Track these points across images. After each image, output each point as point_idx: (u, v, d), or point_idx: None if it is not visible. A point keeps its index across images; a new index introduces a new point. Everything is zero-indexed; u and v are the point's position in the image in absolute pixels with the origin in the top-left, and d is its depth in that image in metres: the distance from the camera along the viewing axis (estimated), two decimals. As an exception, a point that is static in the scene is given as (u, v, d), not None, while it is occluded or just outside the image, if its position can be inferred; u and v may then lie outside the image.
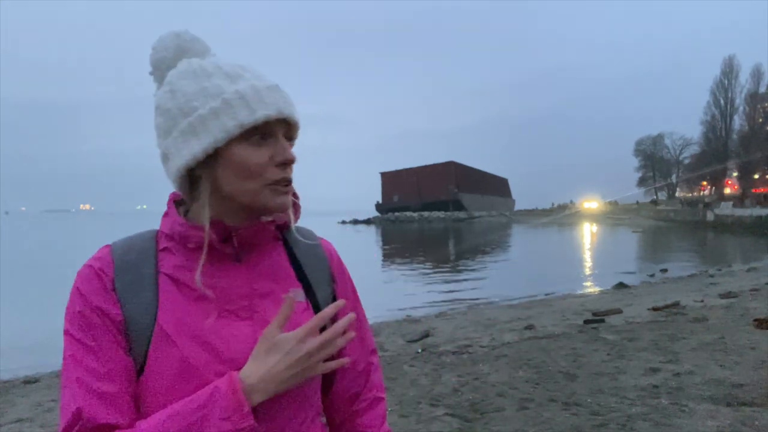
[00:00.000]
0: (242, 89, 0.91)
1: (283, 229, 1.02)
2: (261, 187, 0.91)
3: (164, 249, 0.93)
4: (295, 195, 1.03)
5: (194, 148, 0.90)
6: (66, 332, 0.87)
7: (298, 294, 0.98)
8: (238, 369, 0.86)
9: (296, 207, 1.03)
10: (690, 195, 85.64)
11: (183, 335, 0.87)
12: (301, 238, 1.05)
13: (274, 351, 0.85)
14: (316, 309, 0.99)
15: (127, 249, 0.93)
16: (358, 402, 1.09)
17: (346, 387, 1.08)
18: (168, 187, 0.97)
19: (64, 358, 0.86)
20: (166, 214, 0.96)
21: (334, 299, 1.03)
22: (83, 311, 0.87)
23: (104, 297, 0.88)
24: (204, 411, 0.80)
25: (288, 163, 0.92)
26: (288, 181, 0.93)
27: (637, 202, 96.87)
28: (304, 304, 0.98)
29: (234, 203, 0.93)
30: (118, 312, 0.87)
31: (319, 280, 1.03)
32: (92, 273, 0.89)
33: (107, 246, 0.95)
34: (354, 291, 1.12)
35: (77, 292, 0.89)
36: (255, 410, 0.83)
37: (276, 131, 0.92)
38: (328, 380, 1.06)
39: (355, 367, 1.08)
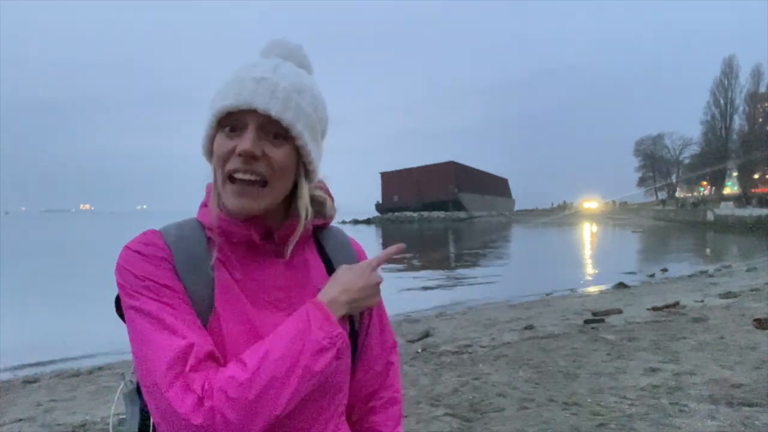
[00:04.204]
0: (228, 78, 0.92)
1: (318, 228, 1.06)
2: (224, 180, 0.89)
3: (210, 238, 0.94)
4: (329, 195, 1.06)
5: (201, 140, 0.94)
6: (136, 297, 0.85)
7: None
8: None
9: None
10: (690, 195, 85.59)
11: (232, 321, 0.89)
12: (332, 237, 1.09)
13: (351, 272, 0.96)
14: None
15: (179, 235, 0.93)
16: (374, 400, 1.11)
17: (363, 384, 1.09)
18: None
19: (138, 322, 0.84)
20: (203, 204, 0.96)
21: None
22: (151, 281, 0.86)
23: (167, 274, 0.87)
24: (302, 325, 0.87)
25: (243, 154, 0.86)
26: (250, 180, 0.88)
27: (626, 203, 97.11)
28: None
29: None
30: (182, 289, 0.88)
31: None
32: (151, 253, 0.88)
33: (155, 232, 0.93)
34: None
35: (134, 266, 0.87)
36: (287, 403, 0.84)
37: (247, 122, 0.88)
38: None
39: (373, 366, 1.09)
